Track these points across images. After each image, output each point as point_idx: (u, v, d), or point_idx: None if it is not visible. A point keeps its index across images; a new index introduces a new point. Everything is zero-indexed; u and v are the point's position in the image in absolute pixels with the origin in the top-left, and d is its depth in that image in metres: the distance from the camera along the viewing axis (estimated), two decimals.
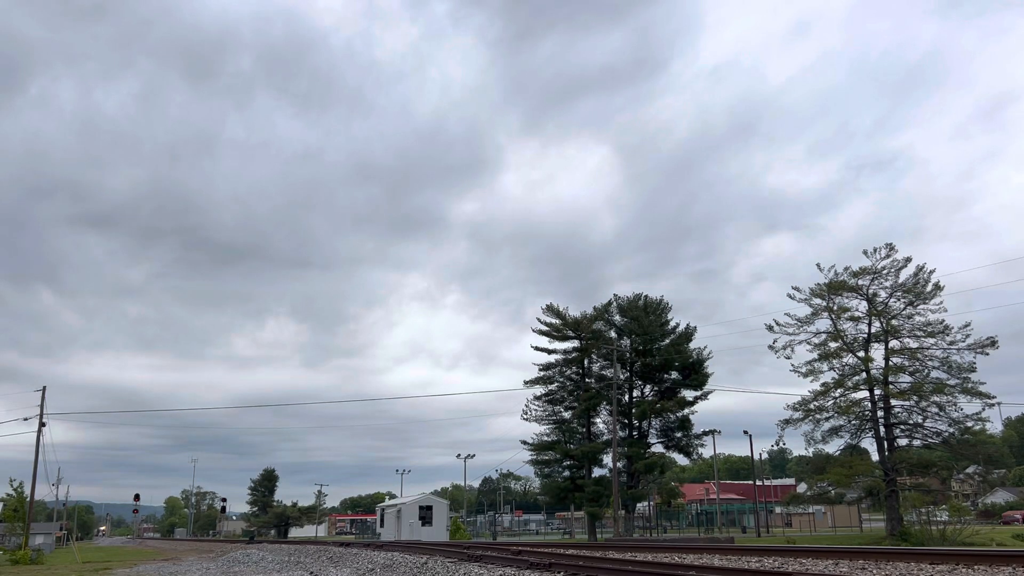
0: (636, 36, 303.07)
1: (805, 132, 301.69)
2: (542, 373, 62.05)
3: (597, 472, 60.70)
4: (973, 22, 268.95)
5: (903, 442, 46.21)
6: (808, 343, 47.37)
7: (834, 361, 46.41)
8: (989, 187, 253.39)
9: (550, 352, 61.88)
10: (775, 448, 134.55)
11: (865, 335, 46.28)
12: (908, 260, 45.15)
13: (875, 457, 46.89)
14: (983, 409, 43.21)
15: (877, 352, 45.89)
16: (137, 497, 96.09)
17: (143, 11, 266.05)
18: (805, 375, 46.95)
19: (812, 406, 46.43)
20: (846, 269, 46.47)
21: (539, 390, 62.35)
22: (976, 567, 13.61)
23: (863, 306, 46.28)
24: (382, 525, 62.83)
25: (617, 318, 62.68)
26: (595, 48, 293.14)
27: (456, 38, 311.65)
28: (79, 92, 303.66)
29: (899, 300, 45.75)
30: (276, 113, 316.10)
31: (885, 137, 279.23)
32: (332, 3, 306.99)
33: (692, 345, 60.12)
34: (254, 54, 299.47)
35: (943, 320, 44.30)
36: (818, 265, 47.44)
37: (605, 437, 59.53)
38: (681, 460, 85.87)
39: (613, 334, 62.36)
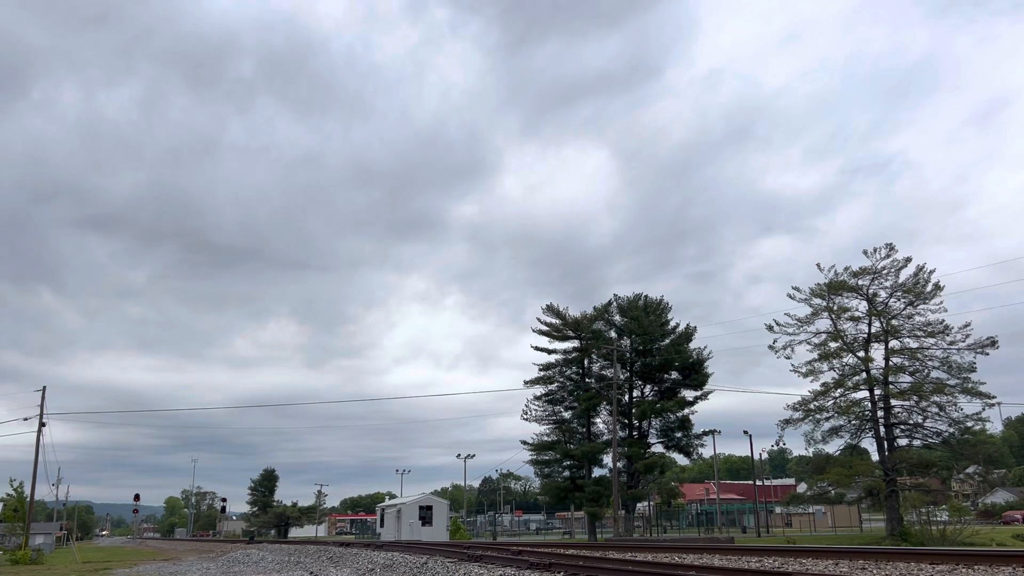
0: (632, 42, 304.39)
1: (801, 136, 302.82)
2: (542, 373, 62.02)
3: (597, 472, 60.71)
4: (965, 28, 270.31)
5: (903, 442, 46.16)
6: (808, 343, 47.37)
7: (834, 361, 46.35)
8: (984, 190, 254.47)
9: (550, 352, 61.90)
10: (775, 448, 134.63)
11: (865, 335, 46.24)
12: (908, 260, 45.14)
13: (875, 457, 46.83)
14: (983, 409, 43.23)
15: (877, 352, 45.88)
16: (137, 497, 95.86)
17: (145, 18, 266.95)
18: (805, 375, 46.94)
19: (812, 406, 46.38)
20: (846, 269, 46.46)
21: (539, 390, 62.37)
22: (976, 567, 13.60)
23: (863, 306, 46.25)
24: (382, 525, 62.77)
25: (617, 318, 62.63)
26: (592, 54, 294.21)
27: (455, 43, 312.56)
28: (81, 97, 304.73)
29: (899, 300, 45.71)
30: (277, 117, 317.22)
31: (880, 141, 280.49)
32: (332, 9, 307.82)
33: (692, 345, 60.13)
34: (255, 59, 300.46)
35: (943, 320, 44.31)
36: (818, 265, 47.46)
37: (605, 437, 59.48)
38: (681, 460, 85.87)
39: (613, 334, 62.30)
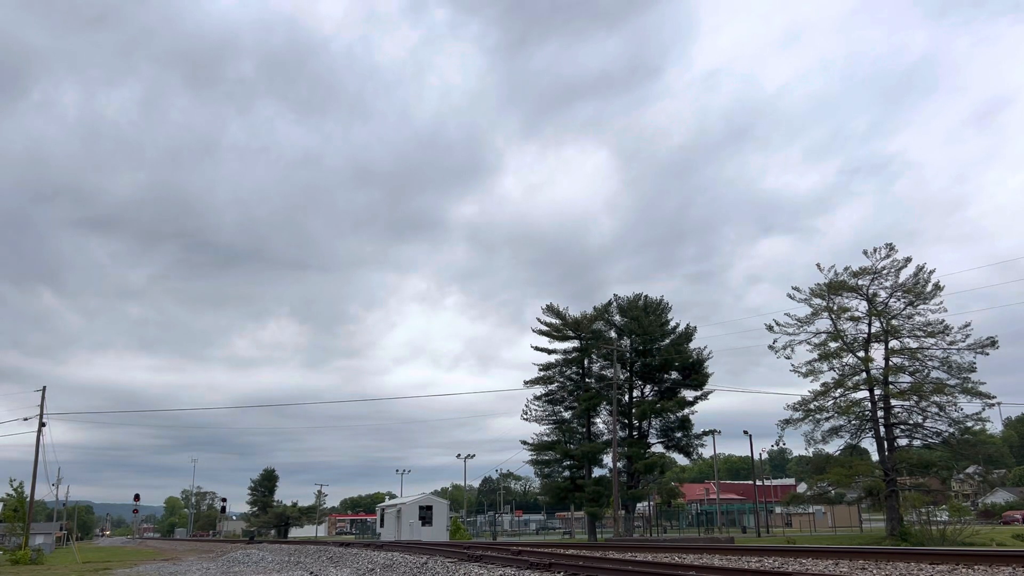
0: (632, 42, 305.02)
1: (801, 136, 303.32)
2: (542, 373, 62.00)
3: (597, 472, 60.68)
4: (965, 29, 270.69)
5: (903, 442, 46.13)
6: (808, 343, 47.30)
7: (834, 361, 46.30)
8: (984, 190, 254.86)
9: (550, 352, 61.88)
10: (775, 448, 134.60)
11: (865, 335, 46.20)
12: (908, 260, 45.09)
13: (875, 457, 46.81)
14: (983, 409, 43.17)
15: (877, 352, 45.83)
16: (137, 497, 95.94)
17: (145, 18, 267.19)
18: (805, 375, 46.88)
19: (812, 406, 46.34)
20: (846, 269, 46.42)
21: (539, 390, 62.35)
22: (976, 567, 13.60)
23: (863, 306, 46.22)
24: (382, 525, 62.77)
25: (617, 318, 62.61)
26: (591, 54, 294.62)
27: (455, 44, 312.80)
28: (81, 97, 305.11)
29: (899, 300, 45.69)
30: (277, 118, 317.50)
31: (880, 141, 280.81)
32: (332, 10, 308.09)
33: (692, 345, 60.11)
34: (255, 60, 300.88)
35: (943, 320, 44.26)
36: (818, 265, 47.41)
37: (605, 437, 59.48)
38: (681, 460, 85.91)
39: (613, 334, 62.29)
